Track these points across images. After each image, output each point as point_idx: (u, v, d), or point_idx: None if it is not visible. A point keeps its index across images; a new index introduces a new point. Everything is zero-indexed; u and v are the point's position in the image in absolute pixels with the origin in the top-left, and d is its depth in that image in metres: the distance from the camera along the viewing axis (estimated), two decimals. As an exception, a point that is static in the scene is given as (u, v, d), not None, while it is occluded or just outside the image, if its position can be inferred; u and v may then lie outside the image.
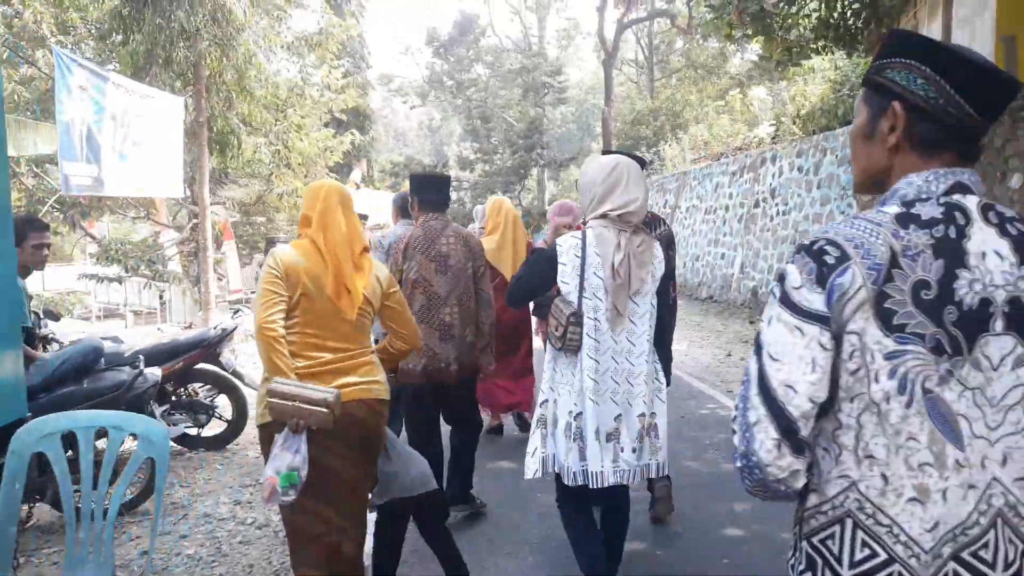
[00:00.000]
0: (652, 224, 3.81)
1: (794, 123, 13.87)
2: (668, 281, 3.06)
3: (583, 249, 2.89)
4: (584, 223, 3.07)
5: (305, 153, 15.58)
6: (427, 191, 4.12)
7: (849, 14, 9.71)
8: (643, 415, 2.92)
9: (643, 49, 38.89)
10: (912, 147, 1.28)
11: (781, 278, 1.26)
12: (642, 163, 3.43)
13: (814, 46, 10.10)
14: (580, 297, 2.87)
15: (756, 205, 13.98)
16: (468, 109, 47.46)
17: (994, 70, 1.23)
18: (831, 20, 9.84)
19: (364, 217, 7.31)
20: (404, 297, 3.16)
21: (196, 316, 14.11)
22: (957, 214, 1.21)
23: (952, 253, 1.19)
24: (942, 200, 1.23)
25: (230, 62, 10.67)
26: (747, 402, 1.25)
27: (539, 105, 43.97)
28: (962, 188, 1.24)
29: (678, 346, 10.57)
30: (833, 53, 11.12)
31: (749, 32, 10.15)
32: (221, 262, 15.90)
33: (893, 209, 1.24)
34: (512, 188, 43.81)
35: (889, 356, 1.17)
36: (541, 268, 3.00)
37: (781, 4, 9.57)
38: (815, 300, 1.20)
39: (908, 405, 1.18)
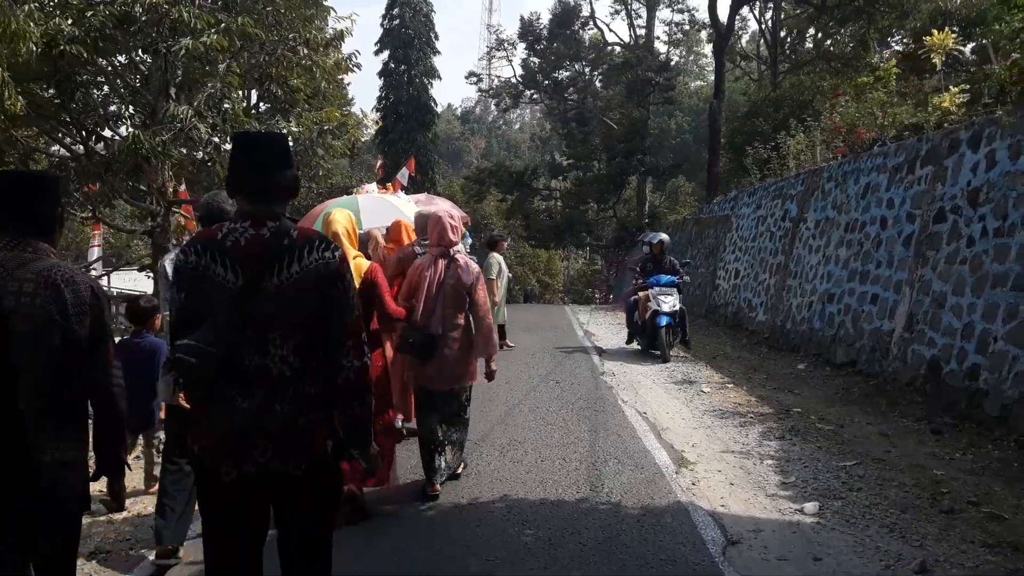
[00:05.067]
0: None
1: (1009, 80, 8.15)
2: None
3: None
4: None
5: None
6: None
7: None
8: None
9: (766, 37, 32.72)
10: None
11: None
12: None
13: None
14: None
15: (940, 219, 8.30)
16: (564, 111, 42.44)
17: None
18: None
19: None
20: None
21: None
22: None
23: None
24: None
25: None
26: None
27: (643, 106, 38.36)
28: None
29: (726, 493, 4.91)
30: None
31: None
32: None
33: None
34: (607, 198, 38.38)
35: None
36: None
37: None
38: None
39: None
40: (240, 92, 11.92)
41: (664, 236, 12.04)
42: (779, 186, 14.09)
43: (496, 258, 11.63)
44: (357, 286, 3.06)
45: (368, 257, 5.14)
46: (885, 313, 9.04)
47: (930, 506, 4.70)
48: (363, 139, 30.35)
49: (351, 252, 4.46)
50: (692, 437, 6.44)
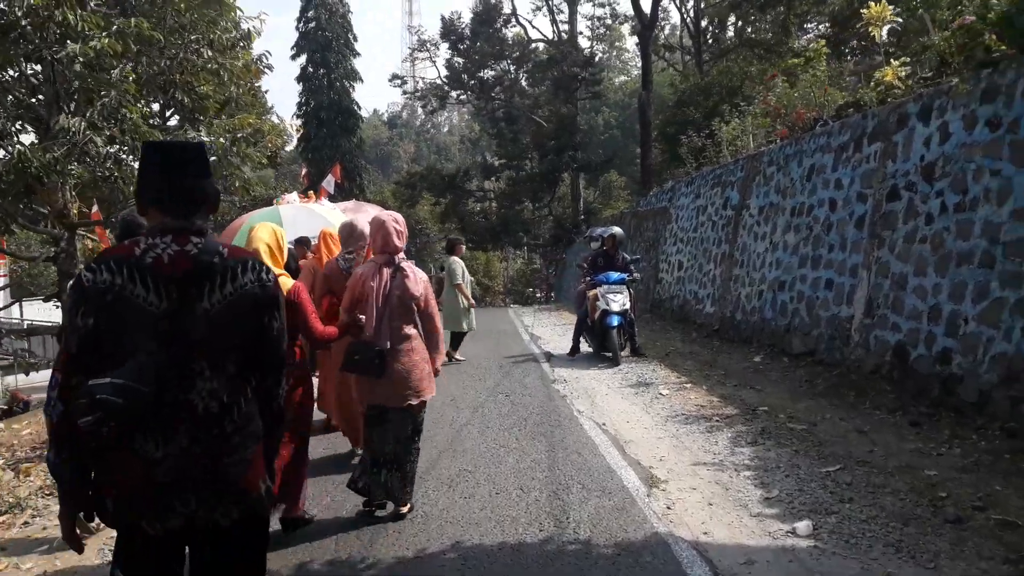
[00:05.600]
0: None
1: (949, 51, 7.84)
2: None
3: None
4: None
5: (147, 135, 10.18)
6: None
7: None
8: None
9: (689, 27, 32.71)
10: None
11: None
12: None
13: None
14: None
15: (894, 197, 7.96)
16: (492, 111, 41.83)
17: None
18: None
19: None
20: None
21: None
22: None
23: None
24: None
25: None
26: None
27: (571, 102, 38.03)
28: None
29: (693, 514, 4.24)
30: None
31: None
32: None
33: None
34: (541, 197, 37.94)
35: None
36: None
37: None
38: None
39: None
40: (141, 101, 10.95)
41: (617, 230, 11.27)
42: (717, 174, 13.73)
43: (458, 262, 10.97)
44: None
45: (294, 275, 4.48)
46: (842, 298, 8.67)
47: (933, 515, 4.22)
48: (287, 148, 29.20)
49: (275, 271, 3.83)
50: (658, 449, 5.87)
